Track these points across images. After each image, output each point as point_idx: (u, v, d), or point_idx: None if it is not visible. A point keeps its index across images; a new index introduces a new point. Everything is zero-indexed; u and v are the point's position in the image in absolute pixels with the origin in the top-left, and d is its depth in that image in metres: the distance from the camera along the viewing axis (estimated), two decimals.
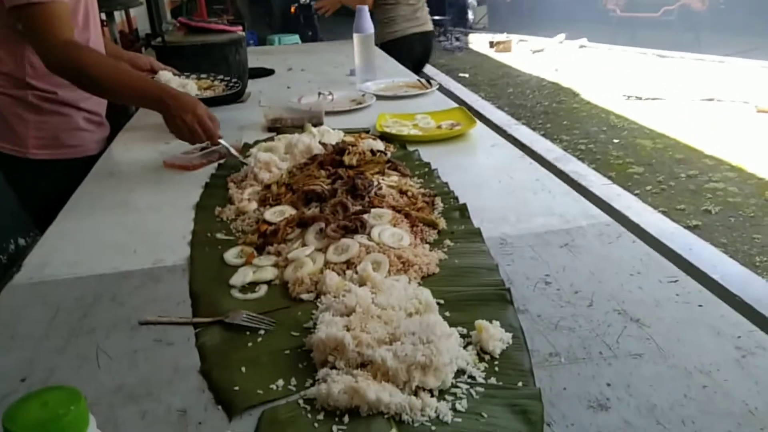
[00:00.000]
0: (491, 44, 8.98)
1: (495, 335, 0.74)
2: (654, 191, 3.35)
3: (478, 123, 1.65)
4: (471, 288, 0.89)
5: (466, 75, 7.00)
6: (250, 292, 0.92)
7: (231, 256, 1.02)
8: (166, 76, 1.80)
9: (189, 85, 1.77)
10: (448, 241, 1.03)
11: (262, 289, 0.92)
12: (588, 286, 0.89)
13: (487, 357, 0.74)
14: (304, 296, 0.89)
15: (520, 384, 0.69)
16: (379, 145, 1.44)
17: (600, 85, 6.14)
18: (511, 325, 0.79)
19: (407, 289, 0.85)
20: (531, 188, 1.28)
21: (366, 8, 2.27)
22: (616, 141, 4.28)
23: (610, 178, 3.41)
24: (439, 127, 1.68)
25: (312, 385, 0.70)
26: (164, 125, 1.39)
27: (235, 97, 2.03)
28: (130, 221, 1.20)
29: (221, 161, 1.50)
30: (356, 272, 0.91)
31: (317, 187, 1.13)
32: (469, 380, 0.70)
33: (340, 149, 1.30)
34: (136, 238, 1.12)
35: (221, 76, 1.92)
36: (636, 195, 3.17)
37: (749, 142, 4.13)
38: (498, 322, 0.77)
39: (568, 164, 1.74)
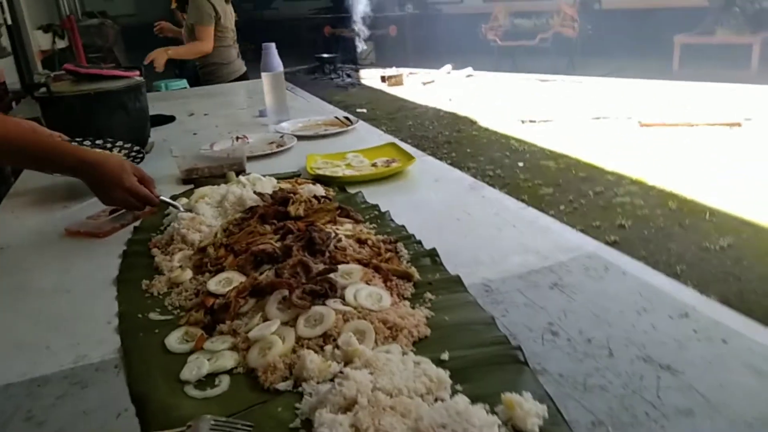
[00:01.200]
0: (383, 79, 9.09)
1: (530, 411, 0.62)
2: (568, 210, 3.43)
3: (417, 158, 1.56)
4: (474, 350, 0.77)
5: (364, 110, 7.00)
6: (209, 387, 0.74)
7: (174, 341, 0.84)
8: None
9: None
10: (428, 294, 0.91)
11: (224, 382, 0.75)
12: (598, 331, 0.80)
13: None
14: (280, 386, 0.72)
15: None
16: (320, 190, 1.30)
17: (494, 112, 6.35)
18: (535, 392, 0.68)
19: (406, 362, 0.71)
20: (493, 224, 1.19)
21: (273, 46, 2.15)
22: (521, 164, 4.39)
23: (523, 201, 3.44)
24: (374, 165, 1.57)
25: None
26: (59, 184, 1.18)
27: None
28: (34, 309, 0.98)
29: (136, 223, 1.29)
30: (337, 347, 0.76)
31: (267, 246, 0.97)
32: None
33: (282, 199, 1.15)
34: (46, 331, 0.90)
35: (120, 143, 1.67)
36: (552, 216, 3.22)
37: (641, 155, 4.38)
38: (529, 394, 0.65)
39: (483, 191, 1.71)
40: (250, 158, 1.71)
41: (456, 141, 5.37)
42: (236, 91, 3.19)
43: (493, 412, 0.64)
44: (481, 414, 0.58)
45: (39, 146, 1.19)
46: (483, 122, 5.99)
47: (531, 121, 5.80)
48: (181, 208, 1.25)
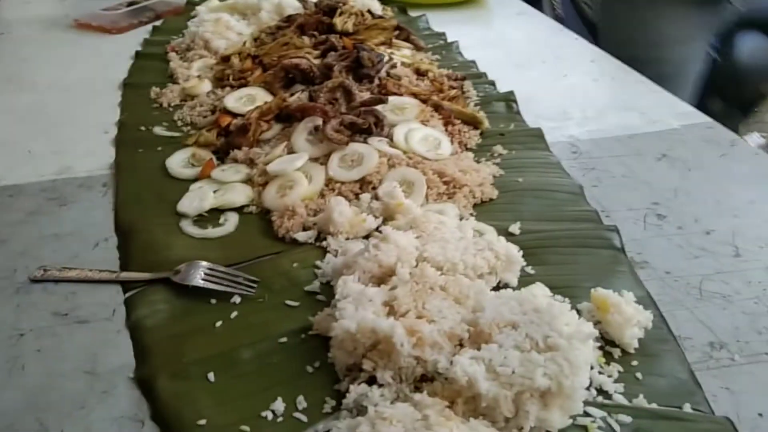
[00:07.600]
0: None
1: (631, 317, 0.45)
2: None
3: None
4: (553, 225, 0.59)
5: None
6: (212, 225, 0.59)
7: (177, 163, 0.68)
8: None
9: None
10: (498, 148, 0.71)
11: (231, 221, 0.59)
12: (722, 222, 0.61)
13: (617, 352, 0.45)
14: (300, 236, 0.56)
15: (688, 407, 0.41)
16: (376, 5, 1.06)
17: None
18: (633, 292, 0.50)
19: (464, 229, 0.54)
20: (588, 72, 0.95)
21: None
22: None
23: None
24: None
25: (335, 409, 0.40)
26: None
27: None
28: (23, 105, 0.83)
29: (157, 22, 1.10)
30: (377, 198, 0.59)
31: (302, 60, 0.77)
32: (600, 399, 0.41)
33: (328, 8, 0.92)
34: (33, 132, 0.76)
35: None
36: None
37: None
38: (630, 294, 0.47)
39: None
40: None
41: None
42: None
43: (576, 311, 0.48)
44: (571, 316, 0.41)
45: None
46: None
47: None
48: None
